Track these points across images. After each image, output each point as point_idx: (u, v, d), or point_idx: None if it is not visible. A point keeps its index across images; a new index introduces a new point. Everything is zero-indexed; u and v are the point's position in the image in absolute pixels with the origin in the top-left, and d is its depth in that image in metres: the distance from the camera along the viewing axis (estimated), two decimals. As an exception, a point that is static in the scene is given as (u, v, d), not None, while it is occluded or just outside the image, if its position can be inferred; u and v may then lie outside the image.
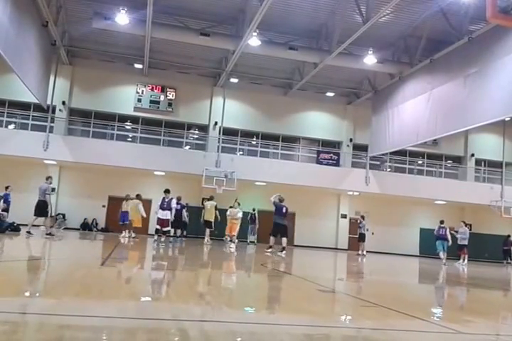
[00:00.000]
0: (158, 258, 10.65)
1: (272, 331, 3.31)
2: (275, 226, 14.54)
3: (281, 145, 25.82)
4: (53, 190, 16.34)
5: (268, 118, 25.68)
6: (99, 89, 24.20)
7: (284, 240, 14.28)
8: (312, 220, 25.52)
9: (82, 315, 3.26)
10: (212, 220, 17.88)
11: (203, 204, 22.59)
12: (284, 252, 13.76)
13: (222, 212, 19.07)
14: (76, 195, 23.24)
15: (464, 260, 18.65)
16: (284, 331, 3.35)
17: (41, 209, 13.66)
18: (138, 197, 17.36)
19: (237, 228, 18.85)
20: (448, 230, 17.35)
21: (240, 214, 16.14)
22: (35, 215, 13.74)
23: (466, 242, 18.49)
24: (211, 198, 18.43)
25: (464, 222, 19.29)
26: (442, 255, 17.26)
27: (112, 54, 23.43)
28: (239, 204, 19.70)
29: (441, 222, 17.50)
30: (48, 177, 14.04)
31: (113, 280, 5.67)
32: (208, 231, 17.87)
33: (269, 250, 14.12)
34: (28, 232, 13.21)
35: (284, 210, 14.59)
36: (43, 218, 14.54)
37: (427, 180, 25.85)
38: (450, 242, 17.39)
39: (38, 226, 21.82)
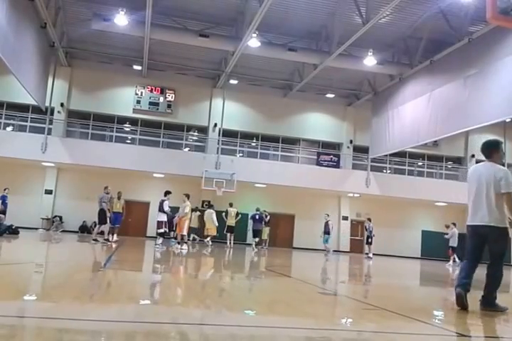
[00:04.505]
0: (160, 261, 10.58)
1: (272, 334, 3.26)
2: (254, 231, 20.04)
3: (281, 147, 25.76)
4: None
5: (268, 119, 25.62)
6: (98, 91, 24.12)
7: (257, 239, 19.86)
8: (312, 222, 25.37)
9: (81, 318, 3.20)
10: (234, 225, 19.57)
11: (203, 206, 22.52)
12: (259, 247, 19.82)
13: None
14: (74, 198, 23.08)
15: (454, 261, 18.73)
16: (285, 334, 3.30)
17: (103, 217, 14.55)
18: (211, 207, 20.33)
19: (186, 225, 15.98)
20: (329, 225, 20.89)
21: (188, 209, 15.18)
22: (99, 223, 14.69)
23: (454, 244, 18.43)
24: (231, 205, 19.81)
25: (454, 224, 18.95)
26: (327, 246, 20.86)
27: (110, 55, 23.36)
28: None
29: (327, 215, 20.95)
30: (106, 187, 14.74)
31: (112, 284, 5.61)
32: (230, 236, 19.45)
33: (256, 247, 19.29)
34: (107, 239, 14.53)
35: (257, 217, 19.82)
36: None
37: (428, 182, 25.75)
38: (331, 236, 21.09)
39: (36, 229, 21.91)
